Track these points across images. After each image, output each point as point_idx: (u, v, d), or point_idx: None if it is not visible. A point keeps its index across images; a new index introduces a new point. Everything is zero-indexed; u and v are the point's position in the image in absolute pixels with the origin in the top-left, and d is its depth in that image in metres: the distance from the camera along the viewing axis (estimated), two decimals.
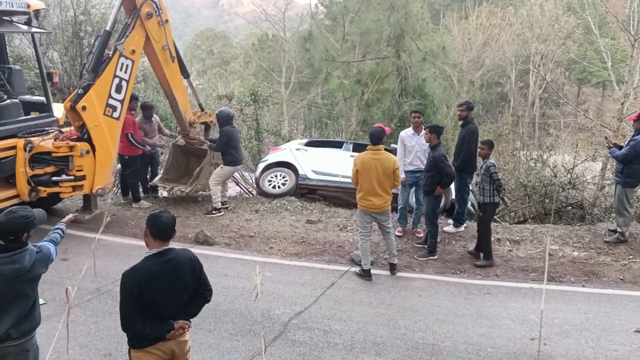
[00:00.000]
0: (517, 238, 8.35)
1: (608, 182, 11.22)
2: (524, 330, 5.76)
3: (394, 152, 10.36)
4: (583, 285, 7.02)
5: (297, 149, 11.03)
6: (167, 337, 3.51)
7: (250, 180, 12.07)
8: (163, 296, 3.42)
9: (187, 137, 9.77)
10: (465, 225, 8.74)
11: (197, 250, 7.41)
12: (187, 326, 3.60)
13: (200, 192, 9.89)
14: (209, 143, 9.54)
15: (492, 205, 7.38)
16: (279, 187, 10.43)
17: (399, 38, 13.77)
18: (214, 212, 9.34)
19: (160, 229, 3.45)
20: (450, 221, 8.81)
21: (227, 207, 9.61)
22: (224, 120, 9.24)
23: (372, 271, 7.15)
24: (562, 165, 11.14)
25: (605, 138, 9.70)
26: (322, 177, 10.45)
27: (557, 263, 7.60)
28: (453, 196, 8.85)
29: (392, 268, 7.27)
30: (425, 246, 7.91)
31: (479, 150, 7.61)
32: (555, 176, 10.83)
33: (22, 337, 3.52)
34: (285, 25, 37.90)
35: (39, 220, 3.61)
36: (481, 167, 7.39)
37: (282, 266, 7.48)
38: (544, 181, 10.93)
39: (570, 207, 10.50)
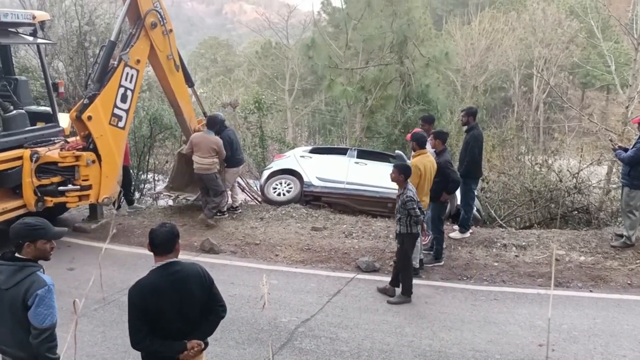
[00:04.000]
0: (524, 243, 8.33)
1: (614, 186, 11.17)
2: (532, 336, 5.73)
3: (399, 158, 10.42)
4: (590, 291, 6.98)
5: (302, 156, 11.04)
6: (180, 358, 3.42)
7: (255, 188, 12.09)
8: (170, 310, 3.35)
9: None
10: (471, 231, 8.72)
11: (202, 258, 7.46)
12: (200, 346, 3.50)
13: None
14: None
15: (410, 236, 6.57)
16: (283, 194, 10.44)
17: (402, 44, 13.78)
18: (218, 214, 9.42)
19: (153, 242, 3.41)
20: (456, 227, 8.80)
21: (240, 212, 9.67)
22: (219, 125, 9.23)
23: (376, 277, 7.18)
24: (568, 170, 11.10)
25: (611, 140, 9.68)
26: (326, 184, 10.45)
27: (564, 268, 7.56)
28: (458, 202, 8.83)
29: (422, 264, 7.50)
30: (431, 252, 7.89)
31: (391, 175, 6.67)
32: (561, 181, 10.80)
33: None
34: (288, 33, 38.01)
35: (52, 234, 3.45)
36: (398, 197, 6.60)
37: (288, 274, 7.48)
38: (550, 186, 10.90)
39: (576, 212, 10.46)
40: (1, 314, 3.35)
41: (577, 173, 10.85)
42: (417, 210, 6.37)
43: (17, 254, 3.37)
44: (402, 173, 6.51)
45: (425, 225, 6.73)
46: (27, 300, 3.25)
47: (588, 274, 7.37)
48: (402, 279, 6.65)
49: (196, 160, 8.89)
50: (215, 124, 9.16)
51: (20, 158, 7.77)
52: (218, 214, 9.43)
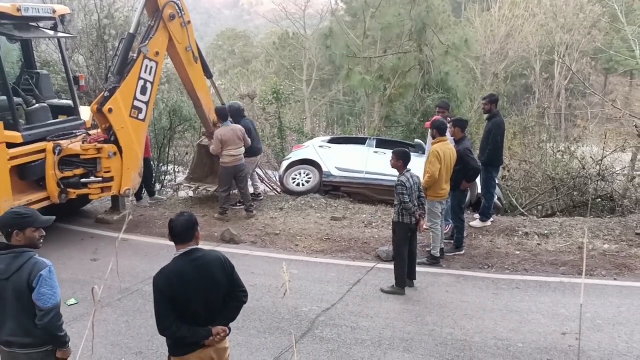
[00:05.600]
0: (546, 232, 8.23)
1: (638, 173, 10.97)
2: (555, 325, 5.67)
3: (419, 147, 10.36)
4: (615, 279, 6.87)
5: (321, 146, 11.02)
6: (206, 344, 3.48)
7: (275, 179, 12.12)
8: (195, 295, 3.41)
9: (211, 137, 9.84)
10: (492, 219, 8.64)
11: (223, 249, 7.51)
12: (225, 332, 3.57)
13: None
14: None
15: (400, 225, 6.41)
16: (303, 184, 10.46)
17: (421, 32, 13.62)
18: (238, 205, 9.67)
19: (173, 231, 3.47)
20: (477, 216, 8.73)
21: (262, 199, 9.74)
22: (237, 113, 9.44)
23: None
24: (591, 157, 10.92)
25: (635, 126, 9.51)
26: (346, 174, 10.43)
27: (587, 256, 7.45)
28: (479, 190, 8.76)
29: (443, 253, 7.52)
30: (452, 241, 7.84)
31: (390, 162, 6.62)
32: (584, 168, 10.63)
33: (24, 347, 3.43)
34: (305, 23, 37.94)
35: (40, 222, 3.50)
36: None
37: (308, 263, 7.50)
38: (572, 173, 10.74)
39: (600, 200, 10.30)
40: (4, 306, 3.39)
41: (601, 160, 10.66)
42: (405, 196, 6.25)
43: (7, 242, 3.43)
44: (400, 159, 6.45)
45: (422, 222, 6.54)
46: (32, 283, 3.33)
47: (612, 262, 7.26)
48: (394, 269, 6.59)
49: (230, 154, 8.87)
50: (232, 114, 9.32)
51: (43, 151, 7.90)
52: (238, 204, 9.54)
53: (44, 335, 3.41)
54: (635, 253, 7.46)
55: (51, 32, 8.73)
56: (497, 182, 8.91)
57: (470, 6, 35.58)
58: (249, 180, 9.81)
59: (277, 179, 11.65)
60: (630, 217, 8.74)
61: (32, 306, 3.36)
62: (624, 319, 5.79)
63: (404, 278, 6.52)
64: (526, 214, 10.12)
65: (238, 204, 9.65)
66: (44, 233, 3.54)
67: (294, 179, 10.60)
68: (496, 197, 8.97)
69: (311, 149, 11.00)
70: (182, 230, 3.46)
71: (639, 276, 6.91)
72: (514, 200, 10.85)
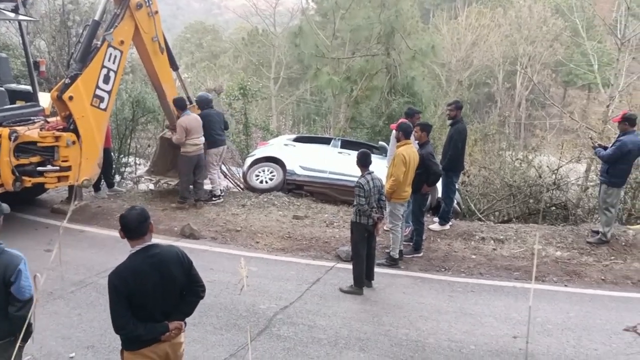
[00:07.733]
0: (502, 237, 8.43)
1: (592, 183, 11.35)
2: (507, 328, 5.82)
3: (382, 150, 10.45)
4: (565, 285, 7.10)
5: (285, 144, 11.02)
6: (162, 339, 3.44)
7: (238, 175, 12.04)
8: (152, 293, 3.35)
9: (175, 130, 9.70)
10: (450, 223, 8.80)
11: (182, 243, 7.41)
12: (181, 327, 3.54)
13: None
14: None
15: (357, 225, 6.50)
16: (266, 182, 10.42)
17: (389, 36, 13.77)
18: (213, 198, 9.61)
19: (127, 227, 3.36)
20: (436, 219, 8.87)
21: (220, 201, 9.68)
22: (203, 104, 9.66)
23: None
24: (547, 166, 11.25)
25: (591, 138, 9.84)
26: (309, 173, 10.45)
27: (540, 262, 7.67)
28: (439, 194, 8.90)
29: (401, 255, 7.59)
30: (411, 243, 7.95)
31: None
32: (540, 177, 10.94)
33: None
34: (275, 21, 37.80)
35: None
36: None
37: (268, 261, 7.49)
38: (529, 181, 11.03)
39: (554, 208, 10.61)
40: None
41: (557, 170, 10.99)
42: (361, 198, 6.33)
43: None
44: (359, 160, 6.56)
45: (379, 226, 6.58)
46: (8, 277, 3.30)
47: (563, 269, 7.50)
48: (353, 269, 6.65)
49: (194, 143, 9.08)
50: (198, 103, 9.65)
51: None
52: (213, 198, 9.57)
53: (10, 327, 3.34)
54: (585, 261, 7.72)
55: (12, 14, 8.45)
56: (456, 186, 9.08)
57: (439, 13, 36.16)
58: (215, 175, 9.79)
59: (241, 175, 11.58)
60: (582, 226, 9.03)
61: (2, 296, 3.32)
62: (572, 324, 5.99)
63: (362, 278, 6.58)
64: (483, 219, 10.34)
65: (213, 198, 9.62)
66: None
67: (257, 175, 10.55)
68: (455, 202, 9.14)
69: (276, 147, 10.98)
70: (136, 225, 3.36)
71: (588, 283, 7.16)
72: (472, 205, 11.08)
